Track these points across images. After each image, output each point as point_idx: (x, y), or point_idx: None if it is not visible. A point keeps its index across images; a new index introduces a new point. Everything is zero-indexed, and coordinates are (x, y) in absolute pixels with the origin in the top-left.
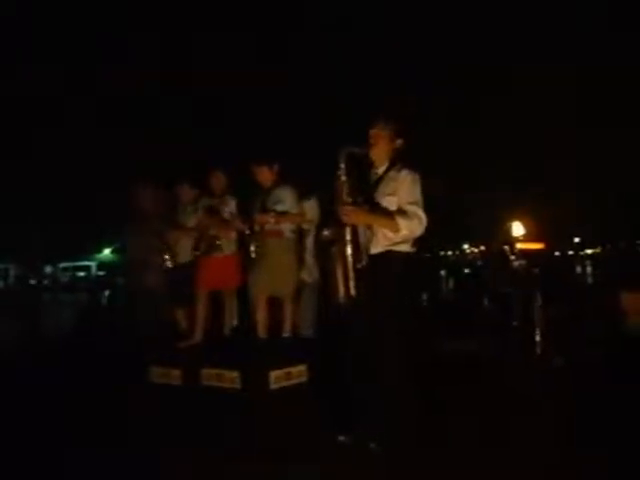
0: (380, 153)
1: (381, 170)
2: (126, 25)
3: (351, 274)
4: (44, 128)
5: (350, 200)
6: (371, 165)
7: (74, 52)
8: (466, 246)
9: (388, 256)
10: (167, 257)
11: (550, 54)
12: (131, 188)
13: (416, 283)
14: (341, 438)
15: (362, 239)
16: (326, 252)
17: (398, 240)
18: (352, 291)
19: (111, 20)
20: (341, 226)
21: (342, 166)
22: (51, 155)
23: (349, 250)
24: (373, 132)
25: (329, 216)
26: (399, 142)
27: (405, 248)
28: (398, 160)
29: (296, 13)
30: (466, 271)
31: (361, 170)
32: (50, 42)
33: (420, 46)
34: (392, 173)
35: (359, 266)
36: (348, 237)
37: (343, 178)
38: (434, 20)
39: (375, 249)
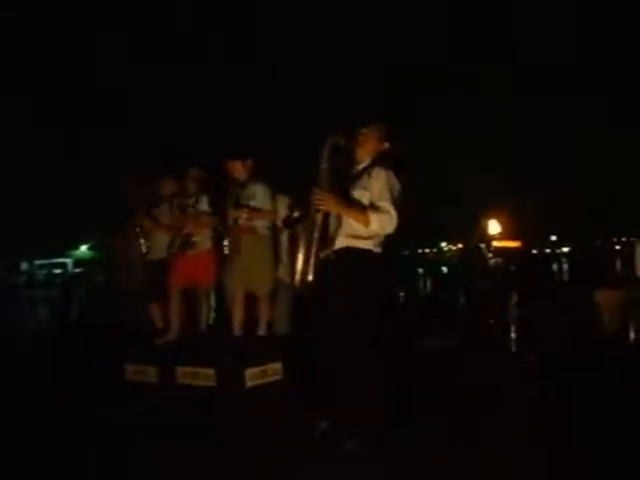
0: (366, 152)
1: (361, 167)
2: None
3: (312, 260)
4: (21, 127)
5: (327, 187)
6: (353, 161)
7: None
8: (444, 244)
9: (347, 252)
10: (142, 242)
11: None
12: (116, 186)
13: (380, 280)
14: (316, 433)
15: (331, 228)
16: (291, 231)
17: (364, 235)
18: (309, 277)
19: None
20: (313, 210)
21: (325, 154)
22: (27, 153)
23: (316, 234)
24: (365, 131)
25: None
26: (386, 145)
27: (366, 245)
28: (379, 161)
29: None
30: (443, 269)
31: (342, 163)
32: None
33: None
34: (369, 170)
35: (322, 255)
36: (319, 221)
37: (324, 165)
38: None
39: (338, 242)
